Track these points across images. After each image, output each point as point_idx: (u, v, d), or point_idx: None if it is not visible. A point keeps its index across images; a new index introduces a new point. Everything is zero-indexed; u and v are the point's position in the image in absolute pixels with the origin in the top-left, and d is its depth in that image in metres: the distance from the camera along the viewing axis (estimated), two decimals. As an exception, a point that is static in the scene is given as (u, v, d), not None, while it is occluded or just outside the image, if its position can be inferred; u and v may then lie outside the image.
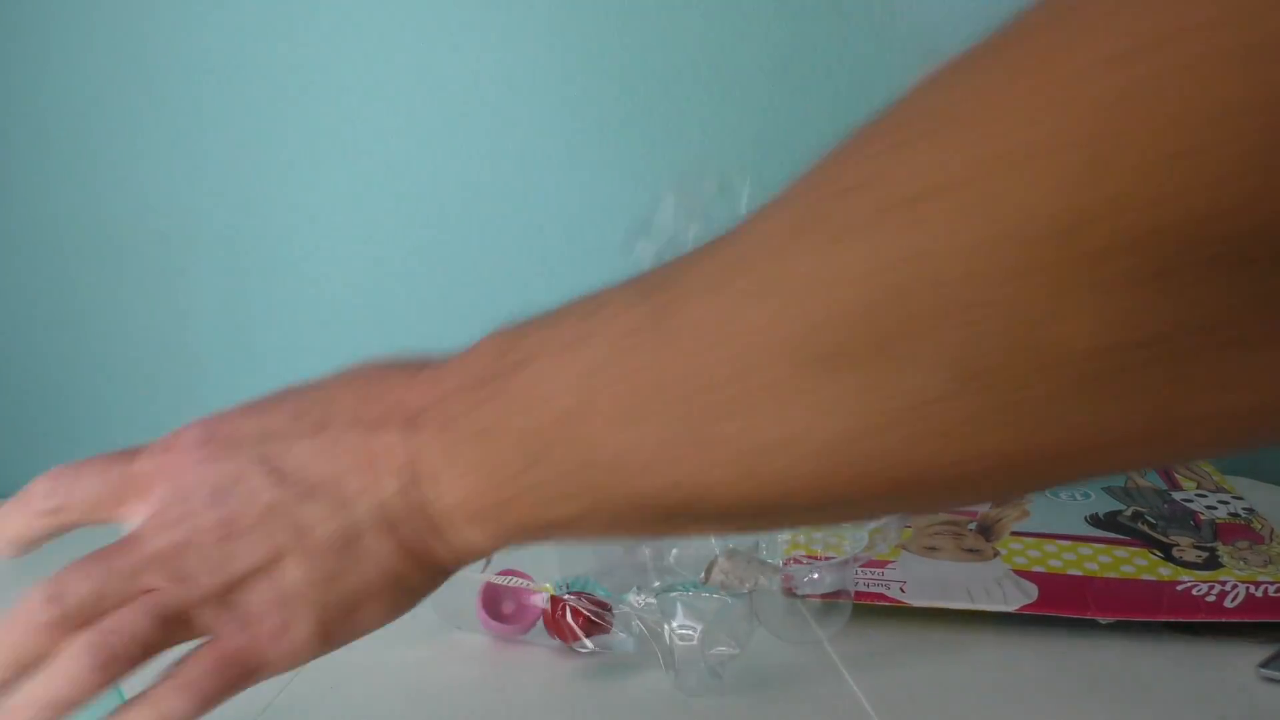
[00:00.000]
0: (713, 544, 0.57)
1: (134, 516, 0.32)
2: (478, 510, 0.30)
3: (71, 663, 0.29)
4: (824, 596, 0.51)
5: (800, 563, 0.56)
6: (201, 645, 0.31)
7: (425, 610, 0.55)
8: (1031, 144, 0.20)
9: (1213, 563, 0.54)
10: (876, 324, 0.22)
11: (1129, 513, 0.61)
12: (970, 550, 0.57)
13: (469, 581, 0.54)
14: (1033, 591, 0.52)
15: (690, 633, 0.46)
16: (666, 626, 0.46)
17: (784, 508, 0.27)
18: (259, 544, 0.30)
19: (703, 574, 0.54)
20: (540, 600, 0.52)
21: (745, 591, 0.51)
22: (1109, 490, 0.65)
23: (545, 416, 0.28)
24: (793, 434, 0.24)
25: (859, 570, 0.55)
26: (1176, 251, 0.18)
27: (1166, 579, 0.52)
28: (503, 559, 0.59)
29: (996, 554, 0.56)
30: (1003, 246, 0.20)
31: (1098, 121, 0.19)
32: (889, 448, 0.23)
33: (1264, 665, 0.47)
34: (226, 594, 0.30)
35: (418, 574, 0.32)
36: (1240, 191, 0.18)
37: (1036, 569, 0.54)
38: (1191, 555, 0.55)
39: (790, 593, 0.51)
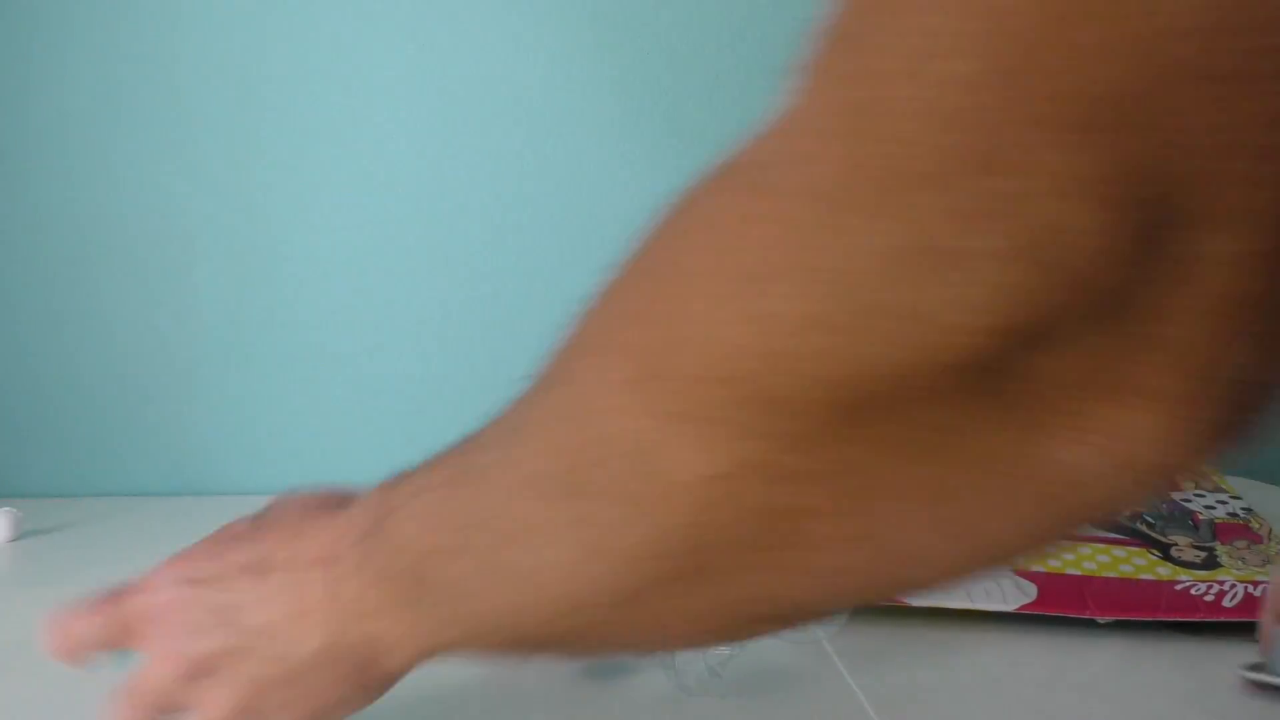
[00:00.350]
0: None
1: (136, 648, 0.42)
2: (396, 640, 0.35)
3: None
4: (823, 596, 0.51)
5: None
6: None
7: (425, 610, 0.56)
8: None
9: (1211, 562, 0.54)
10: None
11: (1128, 512, 0.61)
12: (969, 550, 0.57)
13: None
14: (1032, 591, 0.52)
15: (690, 632, 0.46)
16: (666, 626, 0.46)
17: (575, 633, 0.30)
18: (225, 681, 0.38)
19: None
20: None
21: (745, 591, 0.51)
22: (1108, 490, 0.65)
23: (409, 559, 0.33)
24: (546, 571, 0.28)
25: (858, 570, 0.55)
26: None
27: (1165, 578, 0.52)
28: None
29: (995, 554, 0.56)
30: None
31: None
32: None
33: (1248, 669, 0.46)
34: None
35: (364, 690, 0.38)
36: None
37: (1035, 568, 0.54)
38: (1190, 555, 0.55)
39: (789, 592, 0.51)
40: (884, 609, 0.53)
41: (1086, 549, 0.56)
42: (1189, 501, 0.63)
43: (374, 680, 0.37)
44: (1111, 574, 0.53)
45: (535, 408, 0.30)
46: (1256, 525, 0.59)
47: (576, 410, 0.27)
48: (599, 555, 0.25)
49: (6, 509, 0.80)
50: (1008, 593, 0.52)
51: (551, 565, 0.27)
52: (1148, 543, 0.57)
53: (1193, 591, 0.51)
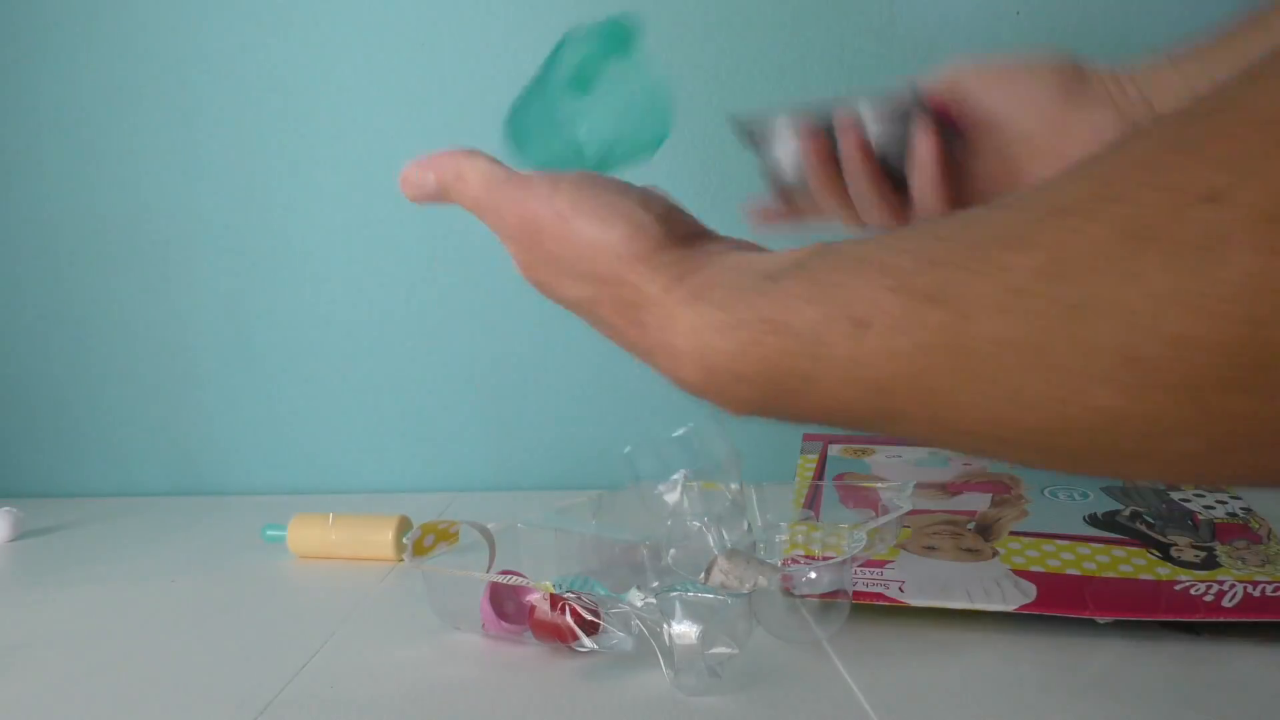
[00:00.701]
0: (711, 545, 0.57)
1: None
2: (686, 316, 0.36)
3: None
4: (823, 596, 0.51)
5: (799, 563, 0.56)
6: None
7: (425, 610, 0.56)
8: None
9: (1211, 562, 0.54)
10: (1239, 355, 0.21)
11: (1127, 513, 0.61)
12: (969, 550, 0.57)
13: (468, 582, 0.54)
14: (1031, 591, 0.52)
15: (689, 632, 0.46)
16: (665, 626, 0.46)
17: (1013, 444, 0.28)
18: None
19: (702, 574, 0.54)
20: (539, 600, 0.52)
21: (744, 591, 0.51)
22: (1107, 490, 0.65)
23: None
24: (1100, 434, 0.25)
25: (858, 570, 0.55)
26: None
27: (1165, 579, 0.52)
28: (504, 559, 0.59)
29: (995, 554, 0.56)
30: None
31: None
32: (1207, 458, 0.24)
33: None
34: None
35: (617, 308, 0.39)
36: None
37: (1035, 569, 0.54)
38: (1189, 555, 0.55)
39: (789, 592, 0.51)
40: (884, 609, 0.53)
41: (1086, 549, 0.56)
42: (1188, 502, 0.63)
43: (632, 325, 0.38)
44: (1111, 574, 0.53)
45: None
46: (1256, 525, 0.59)
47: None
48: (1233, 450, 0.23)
49: (6, 509, 0.80)
50: (1008, 593, 0.52)
51: (1134, 447, 0.24)
52: (1148, 543, 0.57)
53: (1193, 591, 0.51)
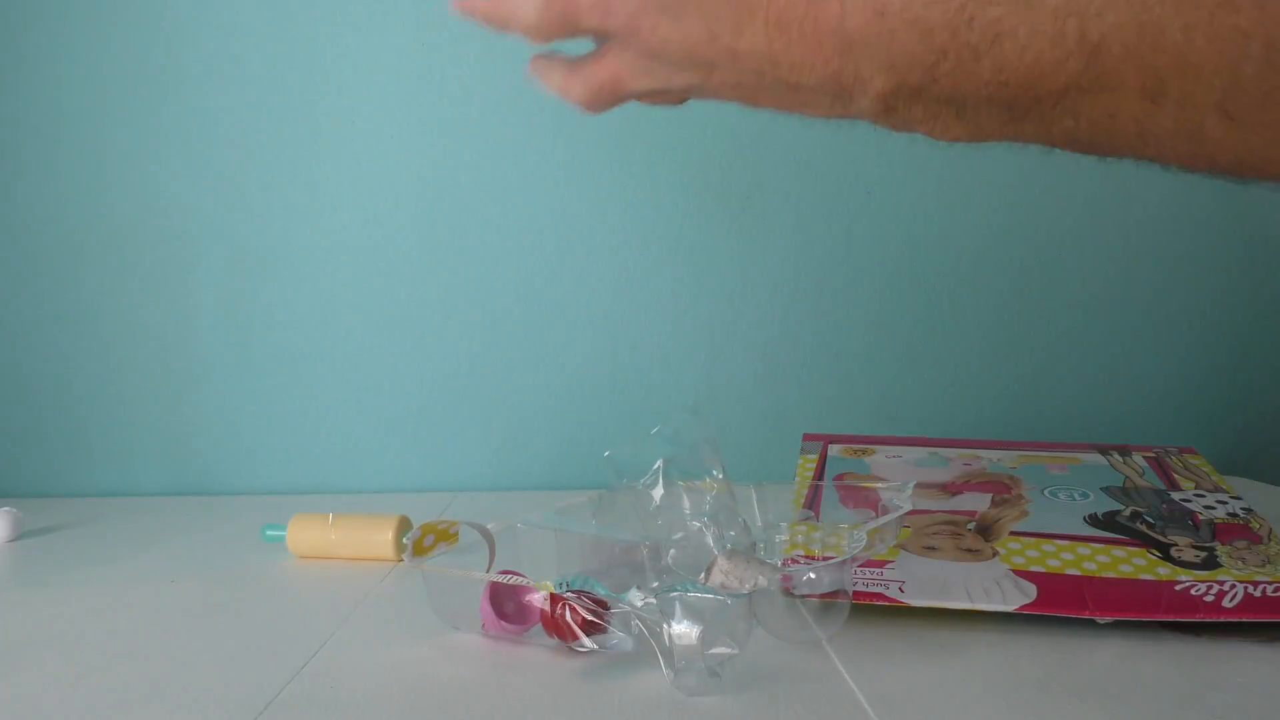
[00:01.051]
0: (711, 545, 0.57)
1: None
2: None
3: None
4: (823, 596, 0.51)
5: (799, 563, 0.56)
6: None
7: (425, 610, 0.56)
8: None
9: (1211, 563, 0.54)
10: None
11: (1127, 513, 0.61)
12: (969, 550, 0.57)
13: (468, 582, 0.54)
14: (1031, 591, 0.52)
15: (689, 632, 0.46)
16: (665, 626, 0.46)
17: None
18: None
19: (702, 574, 0.54)
20: (539, 599, 0.52)
21: (744, 591, 0.51)
22: (1107, 490, 0.65)
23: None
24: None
25: (858, 570, 0.55)
26: None
27: (1165, 579, 0.52)
28: (504, 559, 0.59)
29: (995, 554, 0.56)
30: None
31: None
32: None
33: None
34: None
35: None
36: None
37: (1035, 569, 0.54)
38: (1190, 555, 0.55)
39: (789, 593, 0.51)
40: (884, 609, 0.53)
41: (1086, 549, 0.56)
42: (1189, 502, 0.63)
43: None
44: (1111, 574, 0.53)
45: None
46: (1256, 525, 0.59)
47: None
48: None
49: (6, 509, 0.80)
50: (1007, 593, 0.52)
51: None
52: (1148, 543, 0.57)
53: (1193, 592, 0.51)
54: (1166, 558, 0.55)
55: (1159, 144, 0.29)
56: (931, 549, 0.58)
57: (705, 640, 0.46)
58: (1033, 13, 0.28)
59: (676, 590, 0.48)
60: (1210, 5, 0.26)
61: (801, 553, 0.58)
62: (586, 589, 0.51)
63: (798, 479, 0.71)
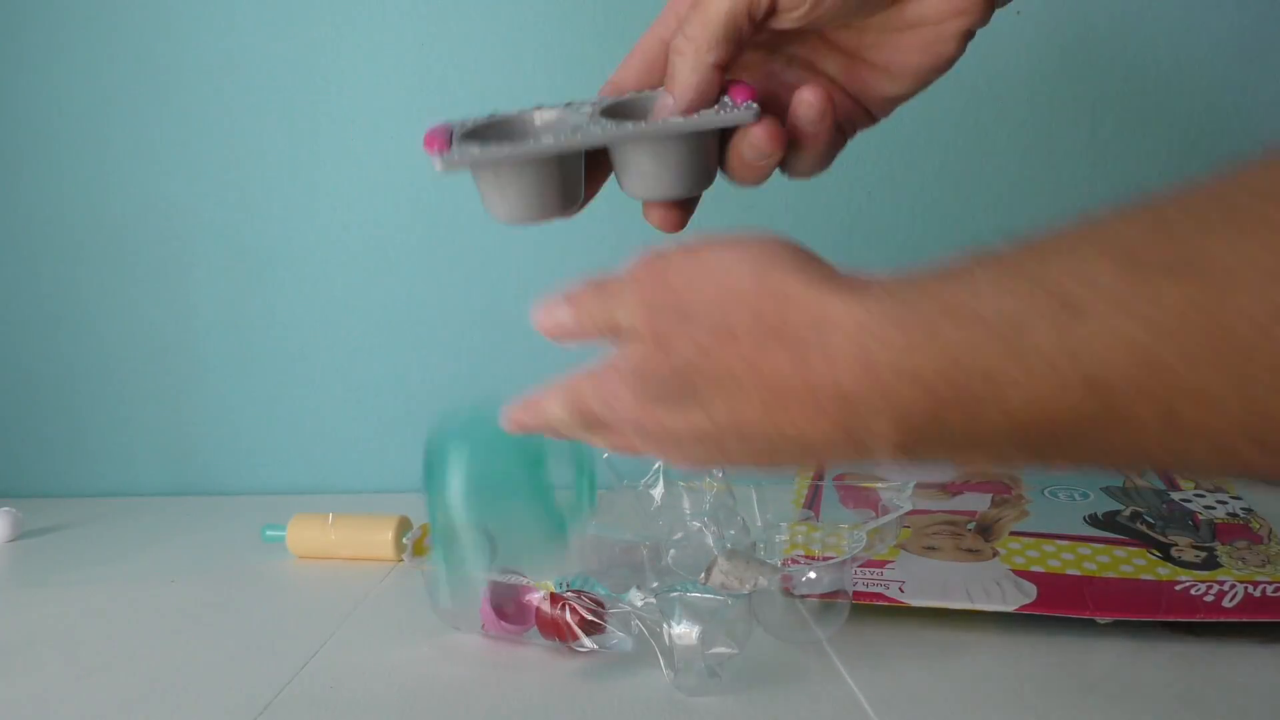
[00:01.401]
0: (711, 545, 0.57)
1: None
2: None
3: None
4: (822, 596, 0.51)
5: (799, 563, 0.56)
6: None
7: (425, 610, 0.56)
8: None
9: (1211, 563, 0.54)
10: None
11: (1128, 513, 0.61)
12: (969, 550, 0.57)
13: (468, 582, 0.54)
14: (1032, 591, 0.52)
15: (689, 632, 0.46)
16: (665, 626, 0.46)
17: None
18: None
19: (702, 574, 0.54)
20: (539, 599, 0.52)
21: (744, 591, 0.51)
22: (1108, 491, 0.65)
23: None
24: None
25: (858, 570, 0.55)
26: None
27: (1165, 579, 0.52)
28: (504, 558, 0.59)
29: (995, 554, 0.56)
30: None
31: None
32: None
33: None
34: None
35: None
36: None
37: (1035, 569, 0.54)
38: (1190, 555, 0.55)
39: (789, 593, 0.51)
40: (884, 609, 0.53)
41: (1086, 549, 0.56)
42: (1189, 502, 0.63)
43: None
44: (1111, 574, 0.53)
45: None
46: (1256, 525, 0.59)
47: None
48: None
49: (6, 509, 0.80)
50: (1007, 593, 0.52)
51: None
52: (1148, 543, 0.57)
53: (1193, 592, 0.51)
54: (1167, 558, 0.55)
55: (1206, 468, 0.28)
56: (931, 549, 0.58)
57: (705, 640, 0.46)
58: (1025, 357, 0.27)
59: (676, 590, 0.48)
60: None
61: (801, 553, 0.58)
62: (586, 589, 0.51)
63: (798, 479, 0.71)
